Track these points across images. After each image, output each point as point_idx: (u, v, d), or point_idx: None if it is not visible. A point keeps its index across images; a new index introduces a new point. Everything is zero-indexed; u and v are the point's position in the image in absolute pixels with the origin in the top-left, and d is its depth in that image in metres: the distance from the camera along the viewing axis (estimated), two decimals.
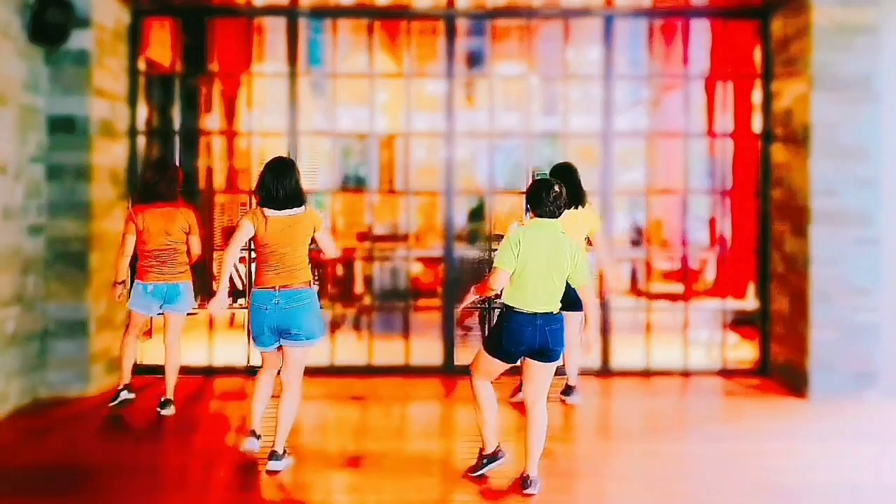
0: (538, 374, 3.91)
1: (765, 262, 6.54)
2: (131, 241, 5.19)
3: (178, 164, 5.90)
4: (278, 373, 4.37)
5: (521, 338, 3.81)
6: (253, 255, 6.19)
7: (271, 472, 4.15)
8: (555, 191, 3.86)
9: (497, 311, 4.14)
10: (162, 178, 5.24)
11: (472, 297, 4.09)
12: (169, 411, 5.24)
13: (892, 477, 4.26)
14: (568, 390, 5.56)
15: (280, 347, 4.25)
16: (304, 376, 4.37)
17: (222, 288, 4.16)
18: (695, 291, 7.71)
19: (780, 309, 6.30)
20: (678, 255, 7.65)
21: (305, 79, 7.70)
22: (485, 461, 4.09)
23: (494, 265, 3.87)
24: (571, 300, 4.80)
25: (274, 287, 4.12)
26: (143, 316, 5.37)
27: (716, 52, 7.74)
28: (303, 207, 4.19)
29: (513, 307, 3.83)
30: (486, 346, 3.98)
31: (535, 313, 3.80)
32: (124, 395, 5.28)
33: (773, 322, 6.41)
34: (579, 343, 5.41)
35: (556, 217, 3.89)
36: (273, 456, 4.18)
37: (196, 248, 5.30)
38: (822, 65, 5.73)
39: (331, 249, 4.39)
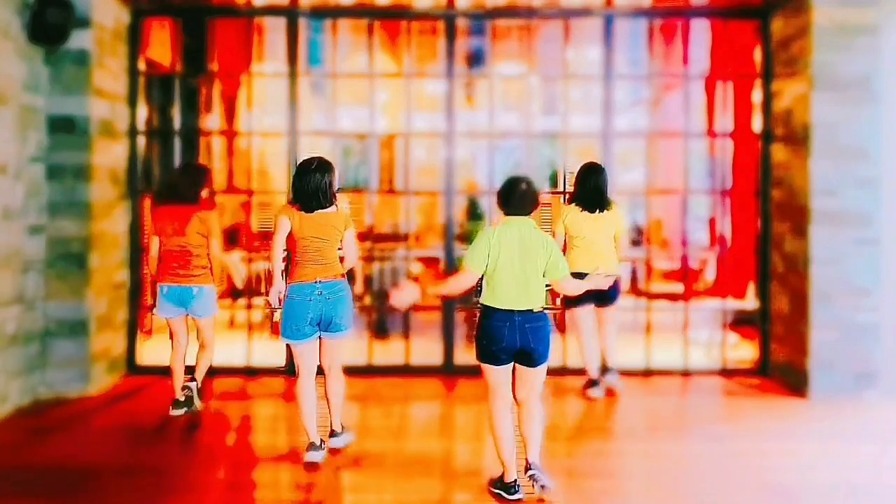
0: (528, 379, 3.86)
1: (765, 261, 6.54)
2: (155, 241, 5.08)
3: (202, 165, 5.67)
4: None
5: (500, 335, 3.75)
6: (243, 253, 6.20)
7: (335, 450, 4.49)
8: (521, 189, 3.84)
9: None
10: (181, 179, 5.15)
11: (410, 293, 3.95)
12: (187, 407, 5.14)
13: (892, 477, 4.26)
14: (608, 372, 5.82)
15: (314, 341, 4.41)
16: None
17: (276, 279, 4.46)
18: (695, 291, 7.71)
19: (780, 309, 6.30)
20: (678, 254, 7.65)
21: (305, 79, 7.71)
22: (497, 484, 3.89)
23: (462, 264, 3.87)
24: (609, 296, 5.47)
25: (315, 280, 4.30)
26: (174, 322, 5.10)
27: (716, 51, 7.75)
28: (333, 207, 4.35)
29: (489, 306, 3.80)
30: (477, 355, 3.91)
31: (513, 311, 3.75)
32: (173, 411, 5.04)
33: (774, 322, 6.41)
34: (607, 337, 5.82)
35: (526, 214, 3.86)
36: (333, 434, 4.54)
37: (214, 250, 5.07)
38: (823, 65, 5.73)
39: (352, 253, 4.49)
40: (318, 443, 4.33)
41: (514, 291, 3.76)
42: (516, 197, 3.84)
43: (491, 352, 3.78)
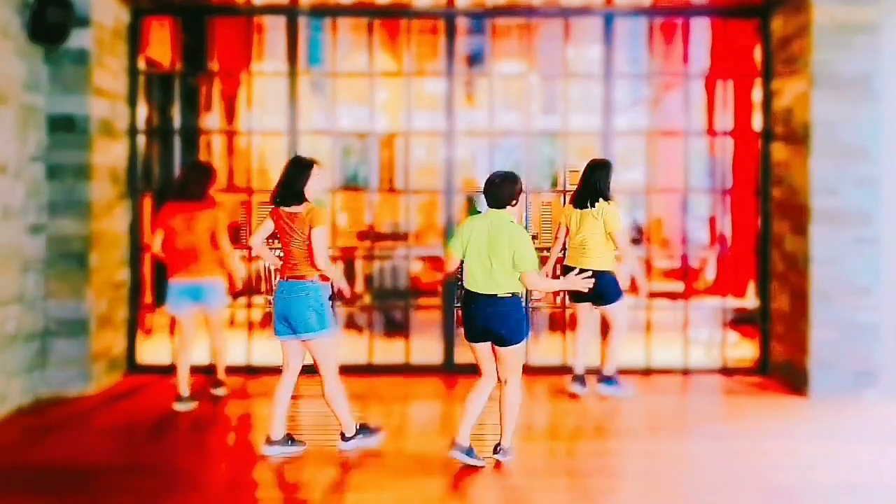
0: (499, 357, 4.22)
1: (765, 260, 6.54)
2: (158, 238, 5.36)
3: (207, 164, 5.97)
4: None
5: (469, 314, 4.19)
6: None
7: (344, 450, 4.50)
8: (492, 183, 4.20)
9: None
10: (190, 178, 5.43)
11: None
12: (220, 391, 5.69)
13: (892, 476, 4.26)
14: (603, 379, 5.75)
15: (291, 340, 4.43)
16: (304, 375, 4.50)
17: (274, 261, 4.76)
18: (695, 290, 7.70)
19: (780, 308, 6.30)
20: (678, 253, 7.64)
21: (305, 78, 7.69)
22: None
23: (447, 247, 4.39)
24: (601, 294, 5.46)
25: (284, 277, 4.39)
26: (185, 318, 5.37)
27: (716, 50, 7.74)
28: (301, 206, 4.32)
29: (465, 287, 4.24)
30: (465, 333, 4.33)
31: (478, 293, 4.14)
32: (177, 406, 5.33)
33: (774, 321, 6.41)
34: (610, 341, 5.71)
35: (499, 207, 4.20)
36: (342, 437, 4.52)
37: (224, 245, 5.38)
38: (823, 63, 5.73)
39: (317, 254, 4.27)
40: (275, 438, 4.43)
41: (479, 276, 4.15)
42: (487, 191, 4.22)
43: (466, 328, 4.24)
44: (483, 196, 4.25)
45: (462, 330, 4.36)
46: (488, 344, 4.20)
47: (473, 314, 4.16)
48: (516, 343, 4.14)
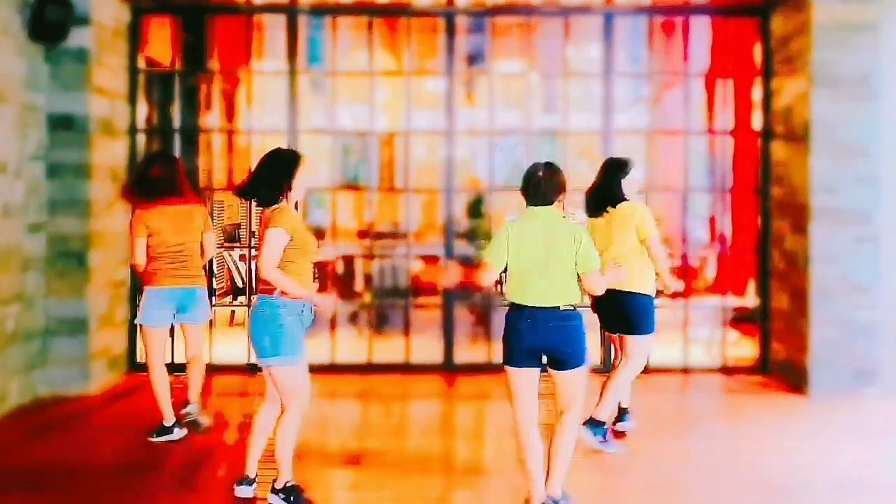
0: (559, 385, 3.55)
1: (765, 259, 6.54)
2: (141, 243, 4.61)
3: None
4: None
5: (521, 334, 3.46)
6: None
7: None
8: (537, 176, 3.57)
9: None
10: (171, 171, 4.70)
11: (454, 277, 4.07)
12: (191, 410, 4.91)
13: (891, 474, 4.26)
14: (590, 422, 4.52)
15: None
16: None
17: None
18: (695, 289, 7.70)
19: (780, 306, 6.30)
20: (678, 252, 7.64)
21: (305, 76, 7.69)
22: None
23: (483, 259, 3.63)
24: (628, 319, 4.64)
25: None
26: (162, 333, 4.75)
27: (716, 49, 7.73)
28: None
29: (513, 302, 3.54)
30: (503, 357, 3.59)
31: (535, 307, 3.46)
32: (175, 434, 4.71)
33: (774, 319, 6.41)
34: (626, 372, 4.75)
35: (549, 203, 3.57)
36: (273, 487, 3.80)
37: (212, 247, 4.87)
38: (822, 62, 5.73)
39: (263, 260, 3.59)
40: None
41: (537, 286, 3.47)
42: (532, 185, 3.57)
43: (513, 351, 3.50)
44: (526, 195, 3.59)
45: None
46: (534, 372, 3.52)
47: (525, 332, 3.46)
48: (582, 363, 3.51)
